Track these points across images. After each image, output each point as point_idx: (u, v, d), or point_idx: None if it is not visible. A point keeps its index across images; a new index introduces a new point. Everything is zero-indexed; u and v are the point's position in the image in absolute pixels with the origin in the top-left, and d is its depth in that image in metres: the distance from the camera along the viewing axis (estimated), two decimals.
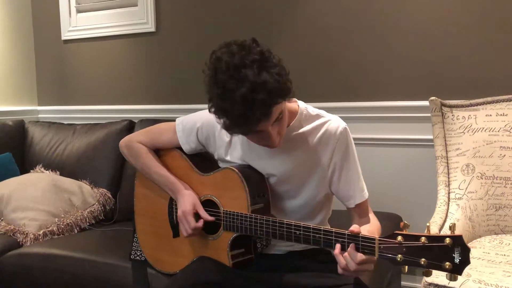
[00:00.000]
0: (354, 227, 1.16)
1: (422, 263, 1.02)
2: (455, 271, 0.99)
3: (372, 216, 1.44)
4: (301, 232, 1.24)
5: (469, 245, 1.71)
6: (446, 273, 1.01)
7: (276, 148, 1.37)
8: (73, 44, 3.12)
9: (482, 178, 1.86)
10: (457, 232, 1.01)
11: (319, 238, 1.21)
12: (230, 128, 1.24)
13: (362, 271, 1.15)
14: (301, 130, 1.39)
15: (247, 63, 1.16)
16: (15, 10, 3.17)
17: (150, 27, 2.82)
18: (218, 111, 1.21)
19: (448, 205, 1.85)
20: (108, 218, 2.44)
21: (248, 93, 1.14)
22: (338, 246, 1.17)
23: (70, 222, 2.25)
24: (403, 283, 2.25)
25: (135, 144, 1.61)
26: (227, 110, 1.18)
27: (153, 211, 1.64)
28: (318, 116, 1.41)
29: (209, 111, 1.25)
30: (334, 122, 1.39)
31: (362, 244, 1.13)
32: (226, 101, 1.17)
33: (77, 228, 2.27)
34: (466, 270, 1.45)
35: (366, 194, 1.43)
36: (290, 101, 1.41)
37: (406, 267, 1.05)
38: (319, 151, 1.38)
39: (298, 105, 1.42)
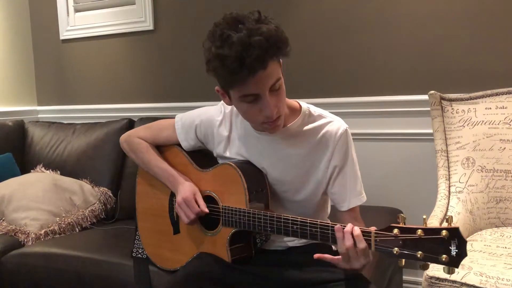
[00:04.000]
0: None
1: (419, 256, 1.01)
2: (452, 263, 0.98)
3: (363, 225, 1.43)
4: (298, 226, 1.24)
5: (470, 238, 1.72)
6: (443, 266, 1.00)
7: (276, 145, 1.37)
8: (71, 43, 3.12)
9: (482, 171, 1.86)
10: (458, 225, 1.01)
11: (316, 232, 1.21)
12: (227, 80, 1.23)
13: (358, 258, 1.15)
14: (302, 129, 1.39)
15: (245, 21, 1.19)
16: (13, 11, 3.18)
17: (148, 25, 2.82)
18: (215, 62, 1.20)
19: (449, 199, 1.84)
20: (109, 217, 2.45)
21: (245, 37, 1.16)
22: (338, 226, 1.17)
23: (71, 221, 2.26)
24: (404, 277, 2.26)
25: (135, 139, 1.62)
26: (224, 55, 1.17)
27: (154, 208, 1.64)
28: (320, 117, 1.40)
29: (207, 72, 1.25)
30: (335, 124, 1.38)
31: None
32: (223, 48, 1.17)
33: (79, 227, 2.28)
34: (467, 263, 1.46)
35: (363, 198, 1.42)
36: (292, 101, 1.41)
37: (403, 260, 1.05)
38: (318, 152, 1.38)
39: (301, 105, 1.42)
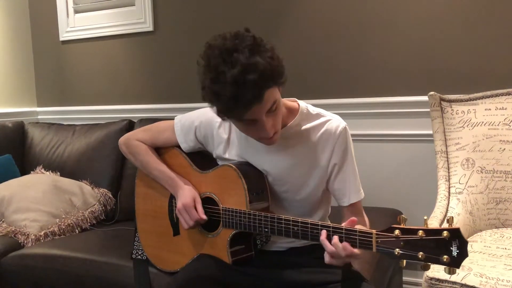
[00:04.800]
0: (351, 220, 1.16)
1: (420, 256, 1.01)
2: (453, 264, 0.98)
3: (366, 219, 1.44)
4: (299, 228, 1.24)
5: (470, 239, 1.72)
6: (444, 266, 1.00)
7: (275, 146, 1.37)
8: (71, 44, 3.12)
9: (482, 172, 1.86)
10: (457, 226, 1.01)
11: (317, 233, 1.21)
12: (223, 112, 1.23)
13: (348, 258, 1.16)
14: (301, 129, 1.39)
15: (240, 48, 1.16)
16: (12, 12, 3.17)
17: (148, 26, 2.83)
18: (210, 95, 1.20)
19: (449, 200, 1.84)
20: (109, 218, 2.45)
21: (239, 74, 1.14)
22: (324, 232, 1.17)
23: (71, 223, 2.26)
24: (405, 278, 2.25)
25: (134, 141, 1.62)
26: (218, 93, 1.17)
27: (153, 210, 1.64)
28: (318, 116, 1.40)
29: (203, 99, 1.24)
30: (334, 122, 1.38)
31: (360, 238, 1.13)
32: (218, 84, 1.16)
33: (78, 229, 2.28)
34: (467, 264, 1.46)
35: (362, 194, 1.43)
36: (290, 100, 1.42)
37: (404, 261, 1.05)
38: (318, 150, 1.38)
39: (299, 104, 1.42)
